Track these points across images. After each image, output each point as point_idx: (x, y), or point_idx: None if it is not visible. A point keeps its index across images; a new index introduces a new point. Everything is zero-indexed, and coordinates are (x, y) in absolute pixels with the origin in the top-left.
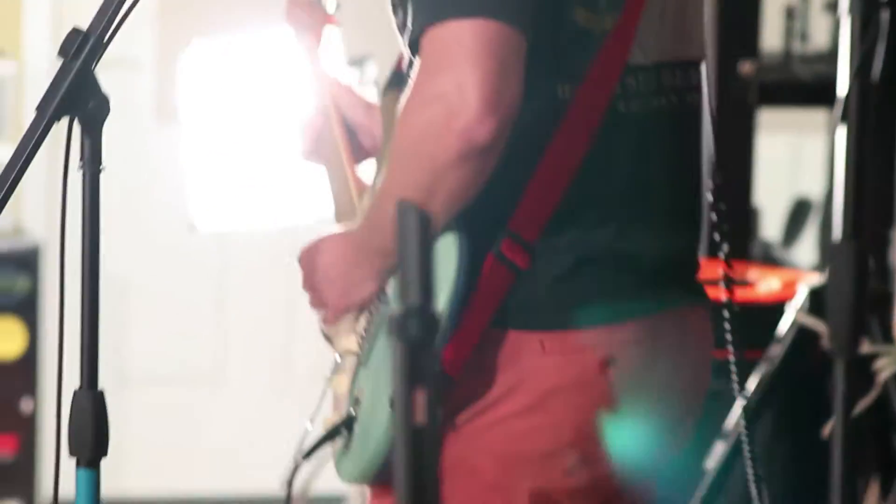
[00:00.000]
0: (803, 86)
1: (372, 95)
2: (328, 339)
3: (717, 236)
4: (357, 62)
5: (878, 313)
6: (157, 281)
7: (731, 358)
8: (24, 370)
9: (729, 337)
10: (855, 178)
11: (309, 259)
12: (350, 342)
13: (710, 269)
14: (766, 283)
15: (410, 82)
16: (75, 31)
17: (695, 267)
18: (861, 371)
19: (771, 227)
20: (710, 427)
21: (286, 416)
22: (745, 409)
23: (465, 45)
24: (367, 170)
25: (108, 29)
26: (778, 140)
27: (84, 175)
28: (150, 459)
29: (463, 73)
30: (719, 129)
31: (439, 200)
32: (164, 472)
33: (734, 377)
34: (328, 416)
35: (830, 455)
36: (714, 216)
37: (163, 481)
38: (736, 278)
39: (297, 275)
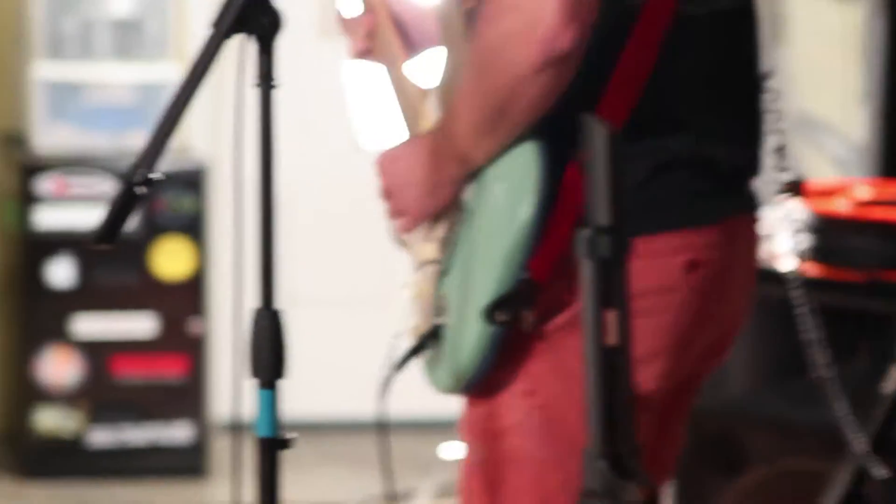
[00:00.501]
0: None
1: None
2: (404, 247)
3: None
4: None
5: None
6: (323, 201)
7: None
8: (192, 290)
9: None
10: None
11: (386, 166)
12: (428, 250)
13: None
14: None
15: None
16: None
17: (755, 173)
18: None
19: None
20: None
21: None
22: None
23: None
24: (420, 65)
25: None
26: None
27: (260, 93)
28: (315, 381)
29: None
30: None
31: (519, 108)
32: (329, 395)
33: None
34: (414, 326)
35: None
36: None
37: (327, 404)
38: None
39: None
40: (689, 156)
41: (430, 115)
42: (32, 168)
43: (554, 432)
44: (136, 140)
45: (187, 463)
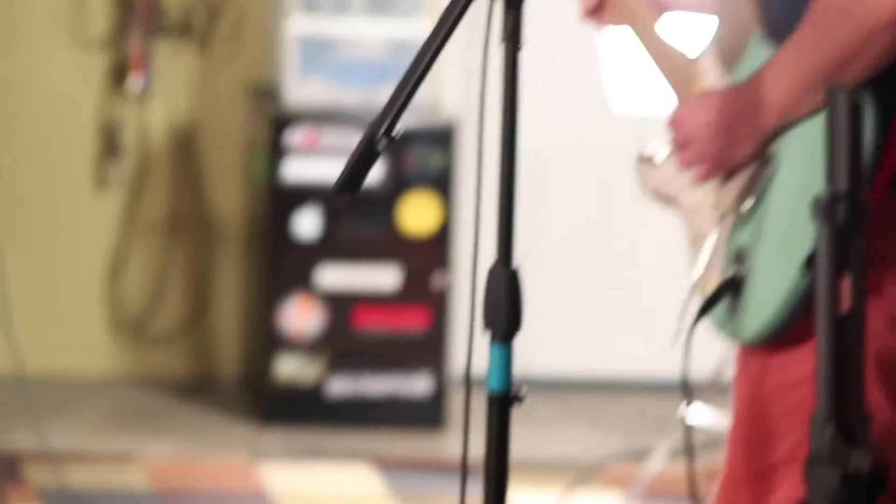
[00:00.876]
0: None
1: None
2: (662, 202)
3: None
4: None
5: None
6: (572, 160)
7: None
8: (437, 245)
9: None
10: None
11: (687, 116)
12: (721, 199)
13: None
14: None
15: None
16: None
17: None
18: None
19: None
20: None
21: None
22: None
23: None
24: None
25: None
26: None
27: (505, 51)
28: (558, 340)
29: None
30: None
31: (865, 60)
32: (572, 354)
33: None
34: (701, 276)
35: None
36: None
37: (570, 363)
38: None
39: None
40: None
41: (707, 74)
42: (283, 120)
43: None
44: (387, 95)
45: (425, 415)
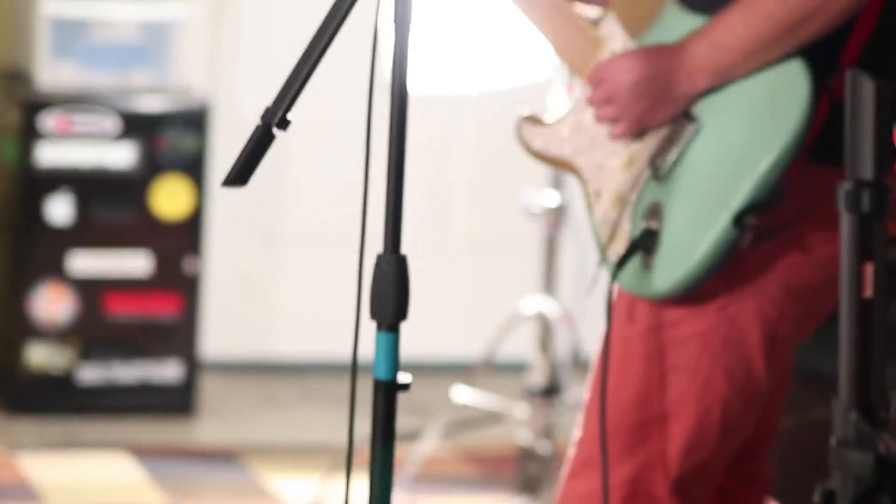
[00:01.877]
0: None
1: None
2: (554, 160)
3: None
4: None
5: None
6: (317, 137)
7: None
8: (189, 230)
9: None
10: None
11: (611, 74)
12: (636, 156)
13: None
14: None
15: None
16: None
17: None
18: None
19: None
20: None
21: (439, 284)
22: None
23: None
24: None
25: None
26: None
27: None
28: (301, 322)
29: None
30: None
31: (821, 21)
32: (317, 336)
33: None
34: (609, 232)
35: None
36: None
37: (315, 345)
38: None
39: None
40: None
41: (614, 38)
42: (35, 104)
43: (733, 348)
44: (140, 78)
45: (176, 401)
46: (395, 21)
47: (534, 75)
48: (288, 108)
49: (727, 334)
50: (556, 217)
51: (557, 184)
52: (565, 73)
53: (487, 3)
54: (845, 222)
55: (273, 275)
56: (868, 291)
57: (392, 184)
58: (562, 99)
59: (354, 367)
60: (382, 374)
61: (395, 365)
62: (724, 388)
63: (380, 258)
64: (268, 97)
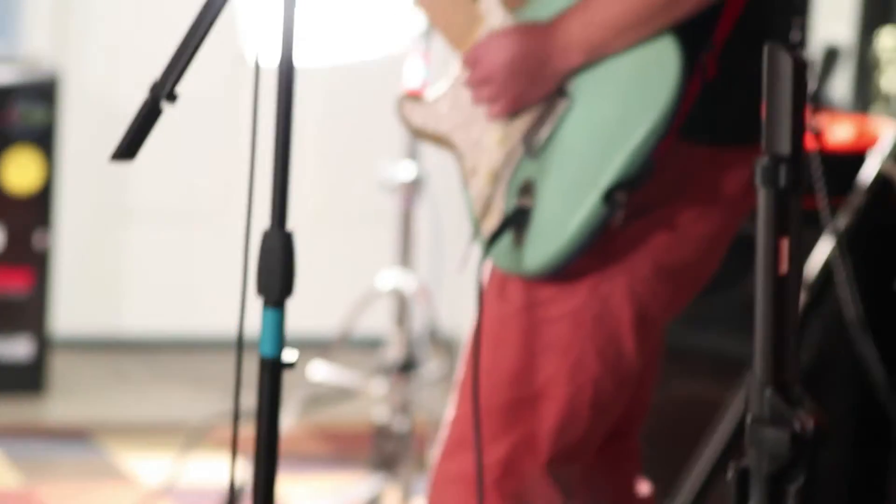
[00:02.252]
0: None
1: None
2: (432, 136)
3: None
4: None
5: None
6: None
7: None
8: (39, 204)
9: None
10: None
11: (487, 53)
12: (509, 134)
13: None
14: (838, 131)
15: None
16: None
17: None
18: None
19: None
20: None
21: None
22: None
23: None
24: None
25: None
26: None
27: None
28: (148, 298)
29: None
30: None
31: (693, 1)
32: (164, 312)
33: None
34: (481, 209)
35: None
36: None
37: (162, 321)
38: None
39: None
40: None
41: (491, 14)
42: None
43: (604, 327)
44: None
45: (25, 379)
46: None
47: (388, 48)
48: (177, 81)
49: (598, 313)
50: (412, 190)
51: (413, 156)
52: (420, 45)
53: None
54: (762, 198)
55: (123, 250)
56: (784, 268)
57: (279, 158)
58: (418, 71)
59: (240, 344)
60: (269, 352)
61: (281, 342)
62: (596, 366)
63: (266, 234)
64: (118, 68)
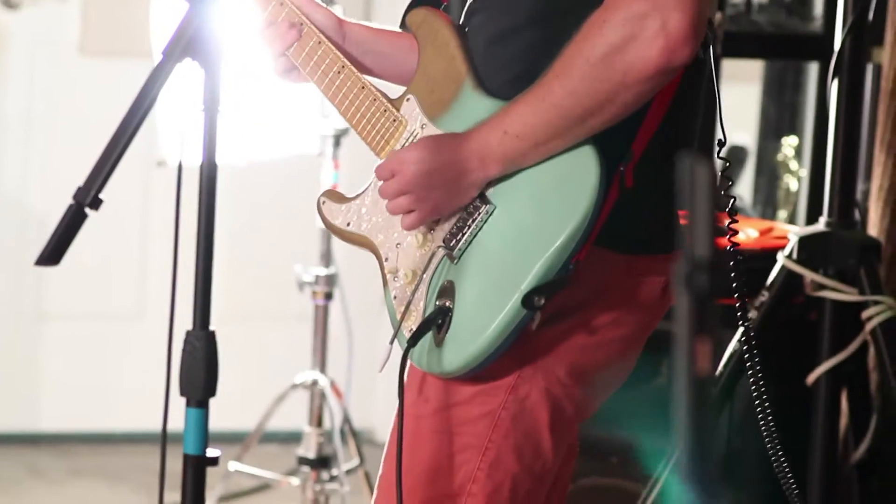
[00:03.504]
0: (764, 36)
1: None
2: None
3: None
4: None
5: (865, 263)
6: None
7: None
8: None
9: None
10: (847, 131)
11: (404, 162)
12: (430, 237)
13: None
14: (743, 232)
15: (609, 0)
16: None
17: None
18: (849, 320)
19: None
20: None
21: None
22: (732, 356)
23: None
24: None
25: None
26: None
27: (205, 116)
28: (65, 395)
29: None
30: (685, 81)
31: (609, 113)
32: (80, 409)
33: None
34: (400, 311)
35: (814, 403)
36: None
37: (78, 418)
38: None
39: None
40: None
41: (410, 121)
42: None
43: (522, 426)
44: None
45: None
46: (205, 104)
47: (302, 148)
48: (100, 188)
49: (516, 413)
50: (327, 288)
51: (327, 256)
52: (332, 146)
53: (257, 76)
54: (682, 301)
55: (39, 348)
56: (704, 369)
57: (201, 260)
58: (329, 172)
59: (164, 441)
60: (193, 449)
61: (204, 440)
62: (514, 465)
63: (189, 334)
64: (29, 172)
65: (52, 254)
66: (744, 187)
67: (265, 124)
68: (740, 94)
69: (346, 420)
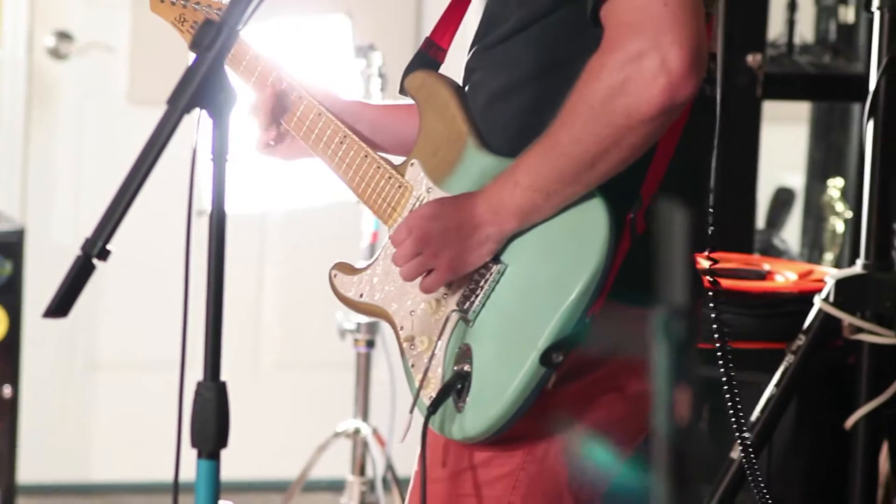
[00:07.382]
0: (806, 77)
1: (377, 85)
2: (367, 308)
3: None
4: (363, 51)
5: None
6: (127, 264)
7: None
8: (5, 356)
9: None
10: (882, 172)
11: (419, 225)
12: (445, 301)
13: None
14: (782, 275)
15: (606, 43)
16: (208, 23)
17: None
18: (888, 363)
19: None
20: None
21: (253, 405)
22: (769, 400)
23: (669, 5)
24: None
25: (240, 21)
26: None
27: (214, 165)
28: (118, 445)
29: (672, 31)
30: (727, 121)
31: (617, 157)
32: (133, 458)
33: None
34: (419, 376)
35: (853, 447)
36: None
37: (130, 468)
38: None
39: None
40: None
41: (415, 186)
42: None
43: (541, 487)
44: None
45: None
46: (214, 154)
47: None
48: (108, 239)
49: (535, 473)
50: (368, 335)
51: None
52: None
53: None
54: (659, 351)
55: (85, 398)
56: (683, 418)
57: (211, 311)
58: (369, 220)
59: (176, 493)
60: (205, 502)
61: (216, 492)
62: None
63: (200, 385)
64: (80, 219)
65: (60, 305)
66: (792, 229)
67: (305, 172)
68: (789, 135)
69: (389, 468)
